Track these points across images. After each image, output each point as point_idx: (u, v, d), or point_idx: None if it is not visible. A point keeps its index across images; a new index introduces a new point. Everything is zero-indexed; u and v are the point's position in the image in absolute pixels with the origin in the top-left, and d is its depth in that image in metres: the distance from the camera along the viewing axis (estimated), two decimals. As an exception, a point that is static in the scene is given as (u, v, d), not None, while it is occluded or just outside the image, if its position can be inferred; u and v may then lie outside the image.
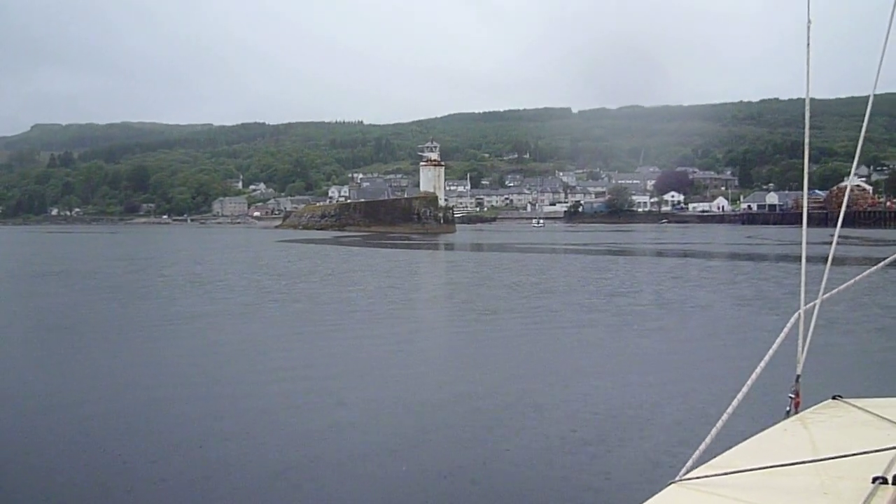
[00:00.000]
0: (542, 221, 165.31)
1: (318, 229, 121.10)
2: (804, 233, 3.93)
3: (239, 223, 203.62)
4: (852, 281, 4.04)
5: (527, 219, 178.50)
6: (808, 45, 3.87)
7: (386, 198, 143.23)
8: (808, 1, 3.78)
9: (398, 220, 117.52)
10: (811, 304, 3.77)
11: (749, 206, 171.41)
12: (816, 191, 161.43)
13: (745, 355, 13.74)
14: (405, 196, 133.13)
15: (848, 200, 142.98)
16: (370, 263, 44.42)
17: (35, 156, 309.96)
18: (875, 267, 4.22)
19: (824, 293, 3.77)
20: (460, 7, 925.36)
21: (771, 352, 3.40)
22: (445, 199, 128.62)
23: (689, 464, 2.69)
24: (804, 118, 4.14)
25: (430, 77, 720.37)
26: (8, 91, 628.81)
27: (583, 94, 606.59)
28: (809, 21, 3.83)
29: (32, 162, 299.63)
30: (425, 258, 49.72)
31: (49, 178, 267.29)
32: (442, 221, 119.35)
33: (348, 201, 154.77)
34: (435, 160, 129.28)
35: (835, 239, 4.78)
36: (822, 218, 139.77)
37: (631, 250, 58.49)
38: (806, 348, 3.64)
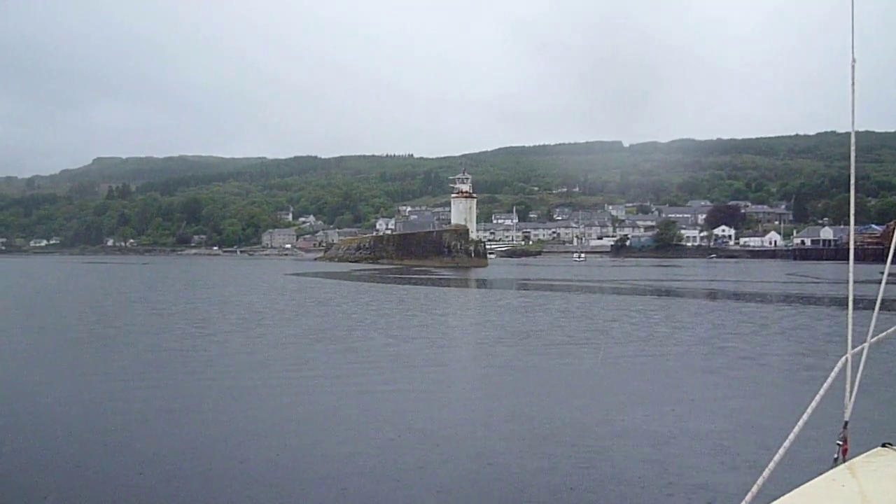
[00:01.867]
0: (583, 256, 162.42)
1: (352, 261, 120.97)
2: (851, 271, 3.83)
3: (287, 255, 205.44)
4: None
5: (570, 253, 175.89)
6: (853, 83, 3.80)
7: (429, 230, 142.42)
8: (853, 41, 3.76)
9: (429, 253, 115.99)
10: (858, 347, 3.63)
11: (802, 241, 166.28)
12: (873, 225, 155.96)
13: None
14: (436, 229, 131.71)
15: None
16: (353, 305, 43.48)
17: (95, 188, 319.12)
18: None
19: (872, 336, 3.66)
20: (509, 42, 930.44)
21: (818, 398, 3.35)
22: (477, 233, 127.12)
23: None
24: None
25: (480, 111, 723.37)
26: (72, 125, 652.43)
27: (633, 127, 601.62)
28: (854, 60, 3.78)
29: (92, 194, 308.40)
30: (431, 300, 43.04)
31: (106, 210, 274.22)
32: (473, 255, 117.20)
33: (382, 234, 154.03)
34: (466, 192, 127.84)
35: (884, 277, 4.28)
36: (879, 254, 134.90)
37: (658, 289, 56.26)
38: (854, 394, 3.54)
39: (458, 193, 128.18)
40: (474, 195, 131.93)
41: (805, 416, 3.26)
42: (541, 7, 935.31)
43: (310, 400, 14.31)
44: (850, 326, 3.69)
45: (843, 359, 3.56)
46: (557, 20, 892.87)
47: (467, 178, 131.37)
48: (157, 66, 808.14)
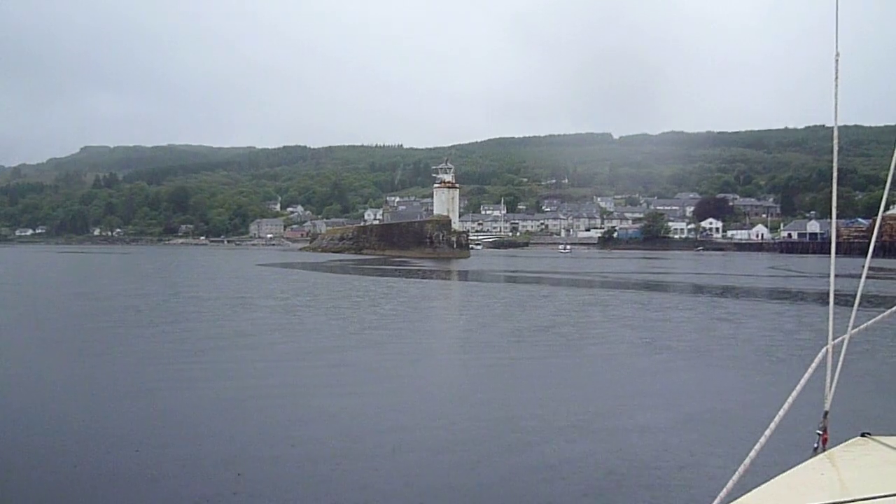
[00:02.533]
0: (568, 247, 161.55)
1: (334, 252, 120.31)
2: (832, 264, 4.02)
3: (273, 245, 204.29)
4: (881, 315, 4.01)
5: (557, 244, 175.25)
6: (837, 77, 3.89)
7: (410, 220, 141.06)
8: (837, 33, 3.83)
9: (411, 244, 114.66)
10: (839, 338, 3.73)
11: (789, 234, 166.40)
12: (860, 219, 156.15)
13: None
14: (418, 220, 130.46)
15: (891, 230, 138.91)
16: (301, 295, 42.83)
17: (82, 177, 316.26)
18: None
19: (853, 328, 3.76)
20: (501, 34, 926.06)
21: (798, 387, 3.42)
22: (465, 224, 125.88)
23: (716, 502, 2.69)
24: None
25: (471, 103, 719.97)
26: (59, 113, 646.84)
27: (624, 119, 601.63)
28: (837, 53, 3.87)
29: (79, 183, 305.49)
30: (387, 291, 42.19)
31: (93, 199, 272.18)
32: (455, 246, 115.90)
33: (365, 224, 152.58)
34: (449, 182, 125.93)
35: (864, 270, 4.20)
36: (865, 247, 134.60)
37: (628, 282, 55.79)
38: (834, 384, 3.62)
39: (440, 183, 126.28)
40: (457, 185, 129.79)
41: (786, 406, 3.31)
42: (534, 0, 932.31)
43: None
44: (831, 318, 3.70)
45: (824, 350, 3.62)
46: (550, 13, 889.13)
47: (450, 169, 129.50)
48: (147, 55, 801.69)
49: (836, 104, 3.91)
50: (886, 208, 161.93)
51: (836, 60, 3.85)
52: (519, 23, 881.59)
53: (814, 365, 3.51)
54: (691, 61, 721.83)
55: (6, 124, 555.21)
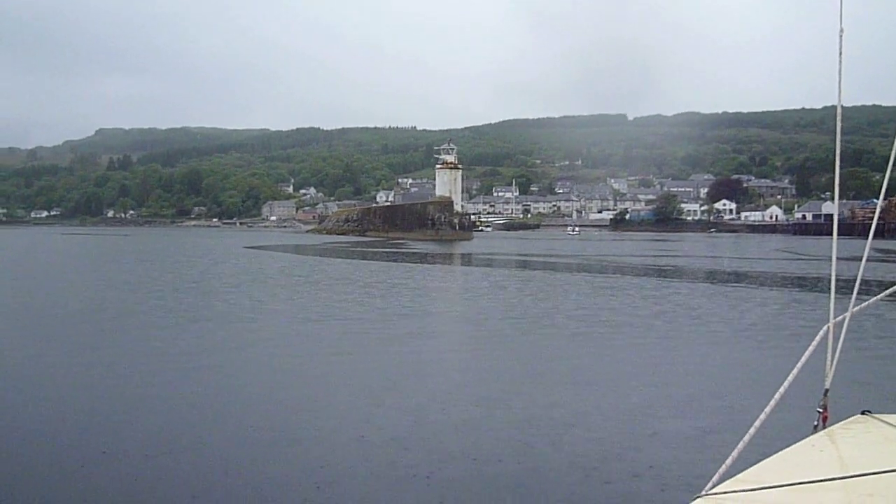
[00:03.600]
0: (577, 229, 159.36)
1: (339, 234, 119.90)
2: (834, 244, 4.17)
3: (285, 226, 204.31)
4: (882, 294, 4.05)
5: (566, 226, 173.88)
6: (841, 53, 3.91)
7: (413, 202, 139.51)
8: (841, 8, 3.84)
9: (414, 225, 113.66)
10: (840, 317, 3.75)
11: (803, 216, 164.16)
12: (874, 200, 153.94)
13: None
14: (420, 201, 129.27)
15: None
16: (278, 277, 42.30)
17: (97, 159, 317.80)
18: None
19: (854, 306, 3.79)
20: (513, 16, 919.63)
21: (799, 365, 3.43)
22: (472, 205, 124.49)
23: (715, 478, 2.69)
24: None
25: (485, 84, 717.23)
26: (75, 96, 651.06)
27: (638, 100, 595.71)
28: (842, 30, 3.87)
29: (94, 165, 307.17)
30: (349, 275, 40.62)
31: (107, 181, 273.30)
32: (457, 228, 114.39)
33: (370, 207, 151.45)
34: (451, 163, 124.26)
35: (866, 251, 4.39)
36: (879, 229, 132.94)
37: (627, 266, 54.79)
38: (835, 362, 3.64)
39: (442, 164, 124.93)
40: (460, 166, 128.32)
41: (786, 384, 3.32)
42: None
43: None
44: (832, 296, 3.79)
45: (825, 328, 3.64)
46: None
47: (452, 149, 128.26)
48: (162, 37, 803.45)
49: (839, 81, 3.87)
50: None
51: (841, 37, 3.82)
52: (532, 4, 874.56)
53: (814, 343, 3.50)
54: (707, 40, 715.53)
55: (23, 107, 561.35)
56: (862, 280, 4.07)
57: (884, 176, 4.51)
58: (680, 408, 11.69)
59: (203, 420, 10.92)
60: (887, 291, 4.06)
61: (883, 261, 53.20)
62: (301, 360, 15.90)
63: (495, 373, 14.57)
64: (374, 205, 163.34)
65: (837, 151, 4.34)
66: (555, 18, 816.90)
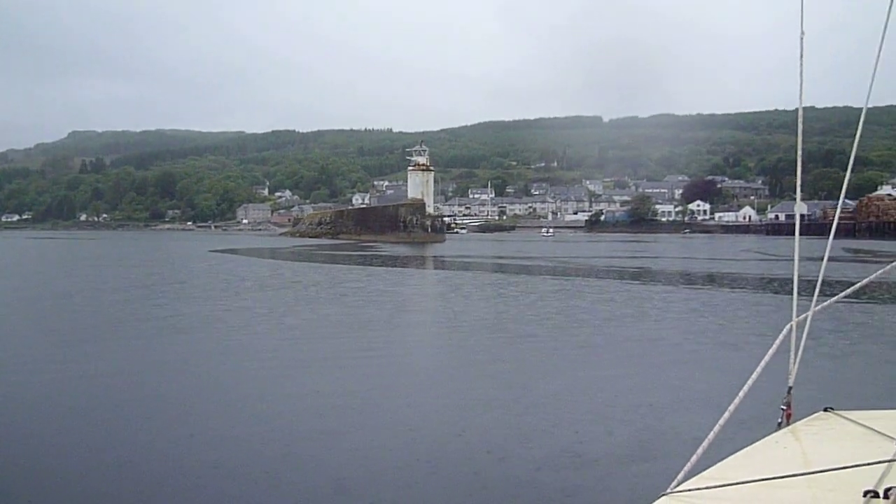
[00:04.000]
0: (551, 231, 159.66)
1: (311, 237, 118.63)
2: (797, 244, 4.13)
3: (260, 230, 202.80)
4: (842, 294, 4.09)
5: (540, 228, 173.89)
6: (802, 56, 3.97)
7: (385, 205, 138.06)
8: (802, 14, 3.86)
9: (386, 228, 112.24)
10: (802, 315, 3.81)
11: (776, 216, 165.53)
12: (847, 200, 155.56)
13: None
14: (392, 204, 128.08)
15: (878, 211, 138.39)
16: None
17: (69, 162, 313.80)
18: (863, 281, 4.22)
19: (816, 305, 3.86)
20: (490, 18, 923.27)
21: (763, 363, 3.48)
22: (437, 206, 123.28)
23: (679, 476, 2.70)
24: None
25: (463, 87, 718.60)
26: (48, 99, 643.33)
27: (614, 103, 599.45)
28: (803, 33, 3.92)
29: (66, 168, 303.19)
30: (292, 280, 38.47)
31: (79, 184, 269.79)
32: (430, 230, 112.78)
33: (343, 209, 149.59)
34: (423, 165, 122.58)
35: (827, 251, 4.51)
36: (850, 229, 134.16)
37: (585, 268, 54.57)
38: (798, 360, 3.70)
39: (414, 166, 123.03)
40: (432, 168, 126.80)
41: (750, 382, 3.35)
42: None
43: None
44: (794, 295, 3.84)
45: (788, 326, 3.69)
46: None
47: (424, 151, 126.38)
48: (136, 39, 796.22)
49: (801, 83, 3.95)
50: (874, 189, 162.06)
51: (801, 40, 3.84)
52: (507, 4, 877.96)
53: (777, 342, 3.54)
54: (682, 44, 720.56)
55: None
56: (825, 281, 4.16)
57: (845, 176, 4.55)
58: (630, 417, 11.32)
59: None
60: (848, 291, 4.06)
61: (851, 260, 53.38)
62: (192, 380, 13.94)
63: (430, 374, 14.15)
64: (347, 207, 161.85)
65: (798, 153, 4.58)
66: (531, 20, 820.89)
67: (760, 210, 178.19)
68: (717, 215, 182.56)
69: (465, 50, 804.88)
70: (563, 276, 40.87)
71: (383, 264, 53.30)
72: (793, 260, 4.34)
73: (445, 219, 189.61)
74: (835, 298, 4.18)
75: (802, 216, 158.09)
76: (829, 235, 5.25)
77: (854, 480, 2.36)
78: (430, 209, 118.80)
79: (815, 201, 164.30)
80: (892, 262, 4.36)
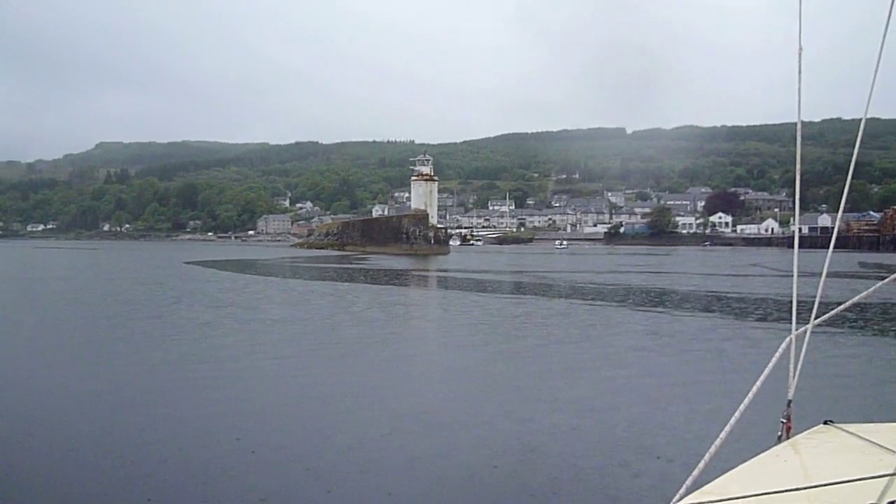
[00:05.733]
0: (564, 243, 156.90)
1: (319, 248, 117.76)
2: (796, 258, 4.11)
3: (279, 241, 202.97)
4: (843, 306, 4.10)
5: (552, 240, 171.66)
6: (800, 71, 3.95)
7: (389, 216, 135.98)
8: (800, 28, 3.87)
9: (389, 239, 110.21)
10: (802, 329, 3.79)
11: (800, 229, 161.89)
12: (871, 212, 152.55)
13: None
14: (396, 215, 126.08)
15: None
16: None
17: (95, 172, 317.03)
18: (865, 292, 4.20)
19: (815, 318, 3.83)
20: (512, 30, 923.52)
21: (763, 377, 3.49)
22: (455, 219, 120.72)
23: (682, 490, 2.72)
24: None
25: (483, 98, 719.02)
26: (76, 111, 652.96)
27: (637, 114, 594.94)
28: (801, 48, 3.92)
29: (91, 178, 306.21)
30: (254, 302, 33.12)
31: (104, 195, 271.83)
32: (433, 242, 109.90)
33: (349, 220, 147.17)
34: (427, 175, 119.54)
35: (826, 262, 4.29)
36: (874, 242, 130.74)
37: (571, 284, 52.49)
38: (797, 373, 3.69)
39: (417, 176, 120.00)
40: (435, 178, 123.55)
41: (750, 395, 3.36)
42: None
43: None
44: (794, 308, 3.84)
45: (788, 339, 3.66)
46: (560, 7, 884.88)
47: (428, 160, 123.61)
48: (163, 53, 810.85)
49: (799, 98, 3.85)
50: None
51: (799, 55, 3.80)
52: (528, 16, 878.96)
53: (777, 355, 3.49)
54: (705, 54, 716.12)
55: (23, 121, 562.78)
56: (828, 299, 4.00)
57: (844, 187, 4.74)
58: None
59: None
60: (846, 304, 4.04)
61: (859, 276, 50.14)
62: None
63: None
64: (354, 219, 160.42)
65: (798, 165, 4.56)
66: (555, 34, 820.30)
67: (783, 222, 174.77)
68: (739, 227, 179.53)
69: (486, 61, 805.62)
70: (538, 295, 38.68)
71: (366, 280, 50.14)
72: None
73: (462, 230, 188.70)
74: (833, 312, 4.06)
75: (826, 228, 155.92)
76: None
77: (855, 494, 2.34)
78: (433, 220, 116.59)
79: (840, 213, 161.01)
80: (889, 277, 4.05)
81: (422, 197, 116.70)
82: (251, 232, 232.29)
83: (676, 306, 31.39)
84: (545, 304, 33.16)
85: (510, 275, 58.63)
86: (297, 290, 40.46)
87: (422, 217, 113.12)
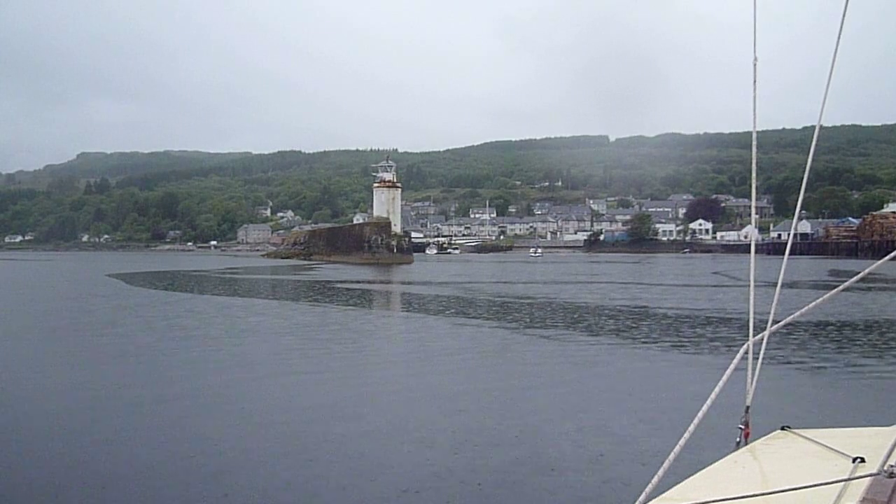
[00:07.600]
0: (539, 251, 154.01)
1: (285, 257, 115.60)
2: (752, 264, 4.18)
3: (258, 250, 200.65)
4: (800, 312, 4.10)
5: (526, 248, 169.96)
6: (755, 81, 3.96)
7: (351, 224, 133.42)
8: (755, 38, 3.87)
9: (352, 248, 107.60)
10: (759, 335, 3.83)
11: (779, 235, 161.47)
12: (850, 218, 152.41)
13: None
14: (358, 223, 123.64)
15: (882, 229, 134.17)
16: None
17: (75, 183, 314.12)
18: (819, 300, 4.14)
19: (772, 325, 3.85)
20: (496, 39, 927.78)
21: (721, 383, 3.47)
22: (435, 227, 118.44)
23: (641, 498, 2.73)
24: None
25: (468, 107, 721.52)
26: (58, 120, 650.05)
27: (621, 122, 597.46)
28: (756, 58, 3.93)
29: (71, 189, 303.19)
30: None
31: (83, 205, 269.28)
32: (395, 250, 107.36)
33: (314, 229, 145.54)
34: (390, 181, 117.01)
35: (783, 267, 4.33)
36: (852, 248, 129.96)
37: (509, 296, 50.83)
38: (755, 379, 3.72)
39: (379, 183, 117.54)
40: (398, 185, 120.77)
41: (708, 402, 3.35)
42: (528, 4, 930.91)
43: None
44: (751, 314, 3.83)
45: (745, 346, 3.70)
46: (545, 17, 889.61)
47: (391, 167, 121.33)
48: (146, 61, 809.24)
49: (754, 108, 3.84)
50: (881, 207, 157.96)
51: (755, 65, 3.82)
52: (512, 25, 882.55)
53: (735, 361, 3.47)
54: (688, 62, 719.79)
55: (5, 131, 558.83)
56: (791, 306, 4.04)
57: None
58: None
59: None
60: (802, 311, 3.97)
61: (820, 287, 45.68)
62: None
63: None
64: (320, 227, 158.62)
65: (753, 174, 4.63)
66: (538, 42, 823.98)
67: (763, 229, 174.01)
68: (718, 234, 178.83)
69: (470, 71, 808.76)
70: (427, 314, 37.32)
71: (288, 297, 41.09)
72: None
73: (440, 239, 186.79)
74: (789, 318, 3.98)
75: (805, 234, 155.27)
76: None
77: (813, 500, 2.37)
78: (396, 228, 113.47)
79: (819, 220, 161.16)
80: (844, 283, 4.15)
81: (384, 204, 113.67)
82: (233, 242, 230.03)
83: (585, 326, 29.69)
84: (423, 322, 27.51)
85: (452, 287, 50.13)
86: (200, 308, 32.87)
87: (384, 225, 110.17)
